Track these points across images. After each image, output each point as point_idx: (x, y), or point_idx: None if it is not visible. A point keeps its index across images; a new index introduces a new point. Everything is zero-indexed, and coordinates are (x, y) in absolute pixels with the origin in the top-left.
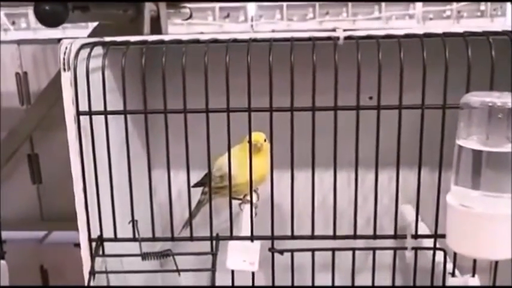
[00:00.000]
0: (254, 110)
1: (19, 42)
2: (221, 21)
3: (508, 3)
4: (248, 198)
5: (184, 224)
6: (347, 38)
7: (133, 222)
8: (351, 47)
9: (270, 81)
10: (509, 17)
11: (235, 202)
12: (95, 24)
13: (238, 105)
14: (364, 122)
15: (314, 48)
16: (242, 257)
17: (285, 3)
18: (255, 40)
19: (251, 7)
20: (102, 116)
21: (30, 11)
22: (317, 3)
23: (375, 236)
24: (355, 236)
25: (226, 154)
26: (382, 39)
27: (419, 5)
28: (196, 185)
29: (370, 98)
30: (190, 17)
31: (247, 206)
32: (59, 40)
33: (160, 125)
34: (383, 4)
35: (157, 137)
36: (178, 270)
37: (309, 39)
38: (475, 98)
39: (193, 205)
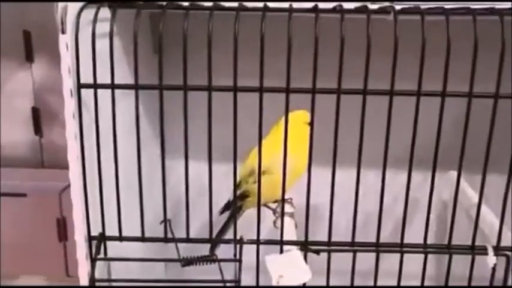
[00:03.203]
0: (294, 91)
1: None
2: None
3: None
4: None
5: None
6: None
7: (166, 222)
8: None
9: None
10: None
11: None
12: None
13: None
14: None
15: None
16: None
17: None
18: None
19: None
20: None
21: None
22: None
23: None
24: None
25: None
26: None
27: None
28: (224, 210)
29: None
30: None
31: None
32: None
33: (172, 105)
34: None
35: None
36: (200, 281)
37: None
38: None
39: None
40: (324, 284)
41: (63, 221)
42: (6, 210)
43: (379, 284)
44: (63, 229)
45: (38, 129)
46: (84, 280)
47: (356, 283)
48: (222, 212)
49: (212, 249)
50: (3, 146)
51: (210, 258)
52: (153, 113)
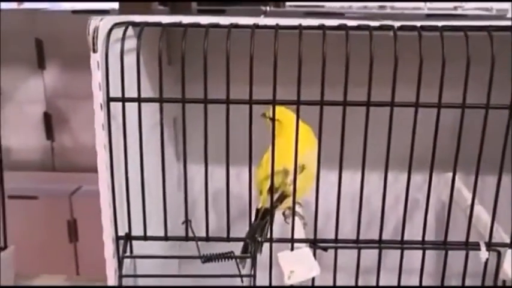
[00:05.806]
0: (303, 103)
1: None
2: None
3: None
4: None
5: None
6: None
7: (187, 222)
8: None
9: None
10: None
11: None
12: None
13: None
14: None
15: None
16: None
17: None
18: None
19: None
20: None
21: None
22: None
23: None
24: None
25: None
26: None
27: None
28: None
29: None
30: None
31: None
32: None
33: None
34: None
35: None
36: (220, 276)
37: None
38: None
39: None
40: (331, 277)
41: (74, 222)
42: (17, 212)
43: (382, 278)
44: (73, 230)
45: (49, 134)
46: (111, 278)
47: (361, 277)
48: (255, 219)
49: (245, 249)
50: (16, 150)
51: (228, 255)
52: (167, 118)
